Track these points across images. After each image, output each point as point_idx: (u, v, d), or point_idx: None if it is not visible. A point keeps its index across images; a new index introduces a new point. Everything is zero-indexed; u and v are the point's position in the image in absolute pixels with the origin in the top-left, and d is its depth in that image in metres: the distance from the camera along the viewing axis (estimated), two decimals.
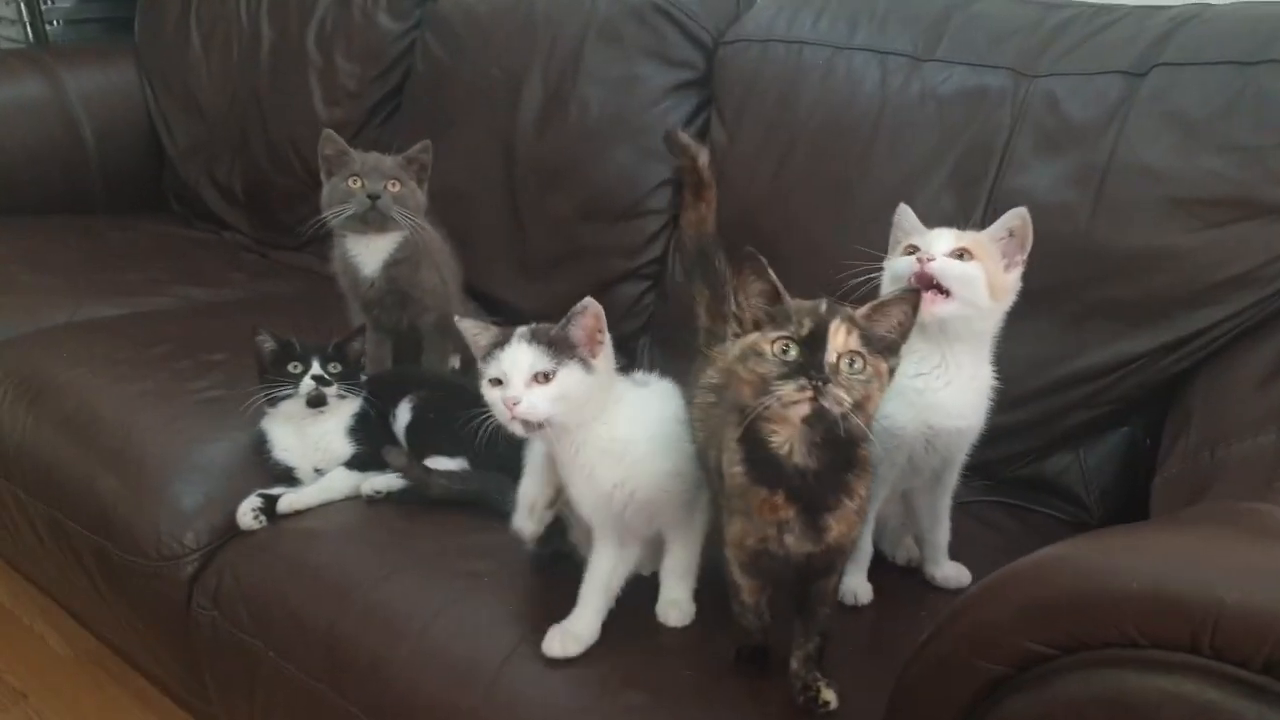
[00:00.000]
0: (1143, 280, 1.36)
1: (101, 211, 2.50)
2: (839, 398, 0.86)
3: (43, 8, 2.74)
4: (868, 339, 0.89)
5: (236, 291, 2.10)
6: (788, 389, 0.86)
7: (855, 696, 1.00)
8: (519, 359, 1.02)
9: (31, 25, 2.74)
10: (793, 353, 0.88)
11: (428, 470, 1.32)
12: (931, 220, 1.53)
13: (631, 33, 1.88)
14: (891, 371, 0.92)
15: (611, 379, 1.07)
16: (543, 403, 1.01)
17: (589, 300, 1.04)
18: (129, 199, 2.56)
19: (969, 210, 1.50)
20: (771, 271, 0.93)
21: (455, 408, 1.42)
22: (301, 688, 1.17)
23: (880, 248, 1.62)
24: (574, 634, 1.07)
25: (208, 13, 2.54)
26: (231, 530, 1.33)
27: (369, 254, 1.59)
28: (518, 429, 1.03)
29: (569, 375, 1.02)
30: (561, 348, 1.02)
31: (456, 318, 1.08)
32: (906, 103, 1.59)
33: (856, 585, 1.16)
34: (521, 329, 1.04)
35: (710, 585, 1.13)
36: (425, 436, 1.39)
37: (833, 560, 0.97)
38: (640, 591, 1.13)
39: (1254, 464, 1.07)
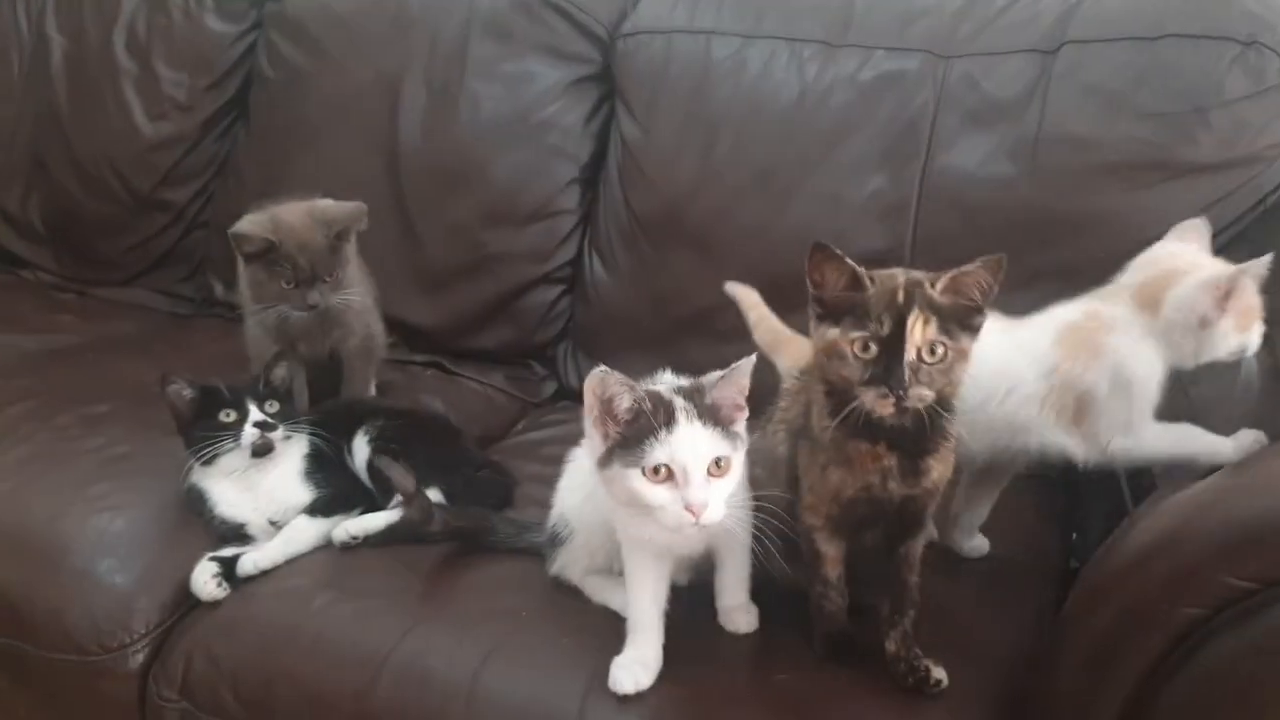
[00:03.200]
0: (1083, 242, 1.44)
1: None
2: (921, 396, 0.88)
3: None
4: (947, 321, 0.89)
5: (72, 336, 1.80)
6: (869, 396, 0.88)
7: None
8: (699, 445, 0.85)
9: None
10: (873, 350, 0.88)
11: (430, 509, 1.16)
12: (868, 199, 1.57)
13: (520, 28, 1.80)
14: (976, 332, 0.91)
15: None
16: (721, 503, 0.86)
17: (751, 359, 0.92)
18: None
19: (904, 189, 1.55)
20: (847, 259, 0.91)
21: (417, 436, 1.30)
22: None
23: (813, 231, 1.60)
24: (643, 663, 0.97)
25: None
26: (184, 605, 1.13)
27: None
28: (691, 535, 0.88)
29: (739, 460, 0.89)
30: (721, 420, 0.88)
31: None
32: (825, 88, 1.61)
33: None
34: (678, 398, 0.88)
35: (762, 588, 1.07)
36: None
37: (927, 505, 0.96)
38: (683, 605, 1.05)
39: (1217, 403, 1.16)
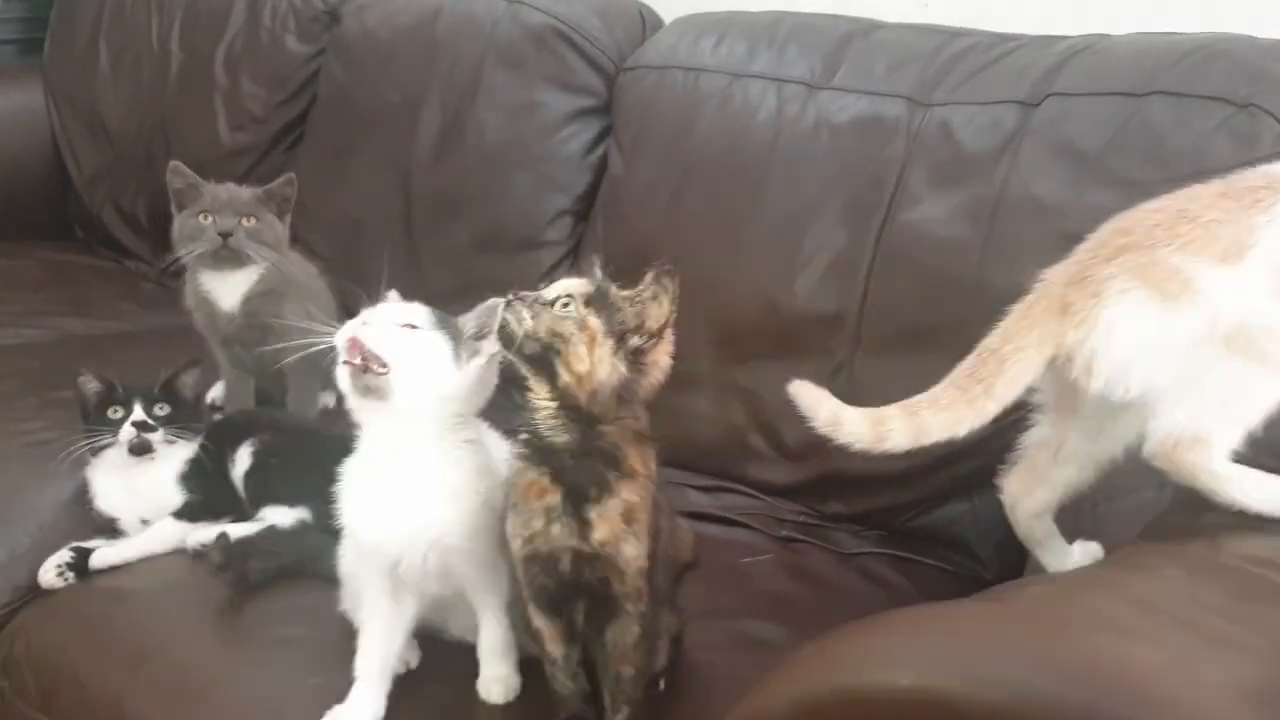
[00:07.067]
0: None
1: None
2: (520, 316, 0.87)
3: None
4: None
5: (121, 324, 2.00)
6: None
7: None
8: (399, 305, 0.98)
9: None
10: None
11: (245, 558, 1.18)
12: (824, 254, 1.47)
13: (532, 58, 1.81)
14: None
15: (473, 398, 0.98)
16: (391, 339, 0.92)
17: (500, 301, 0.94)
18: (30, 226, 2.44)
19: (860, 246, 1.43)
20: None
21: (303, 453, 1.32)
22: None
23: (767, 286, 1.55)
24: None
25: (119, 33, 2.44)
26: (35, 589, 1.22)
27: (225, 289, 1.50)
28: (343, 377, 0.93)
29: (436, 338, 0.94)
30: (450, 328, 0.97)
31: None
32: (801, 132, 1.51)
33: None
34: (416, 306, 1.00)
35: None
36: (263, 484, 1.29)
37: (611, 580, 0.88)
38: (462, 659, 1.03)
39: (1125, 521, 1.00)
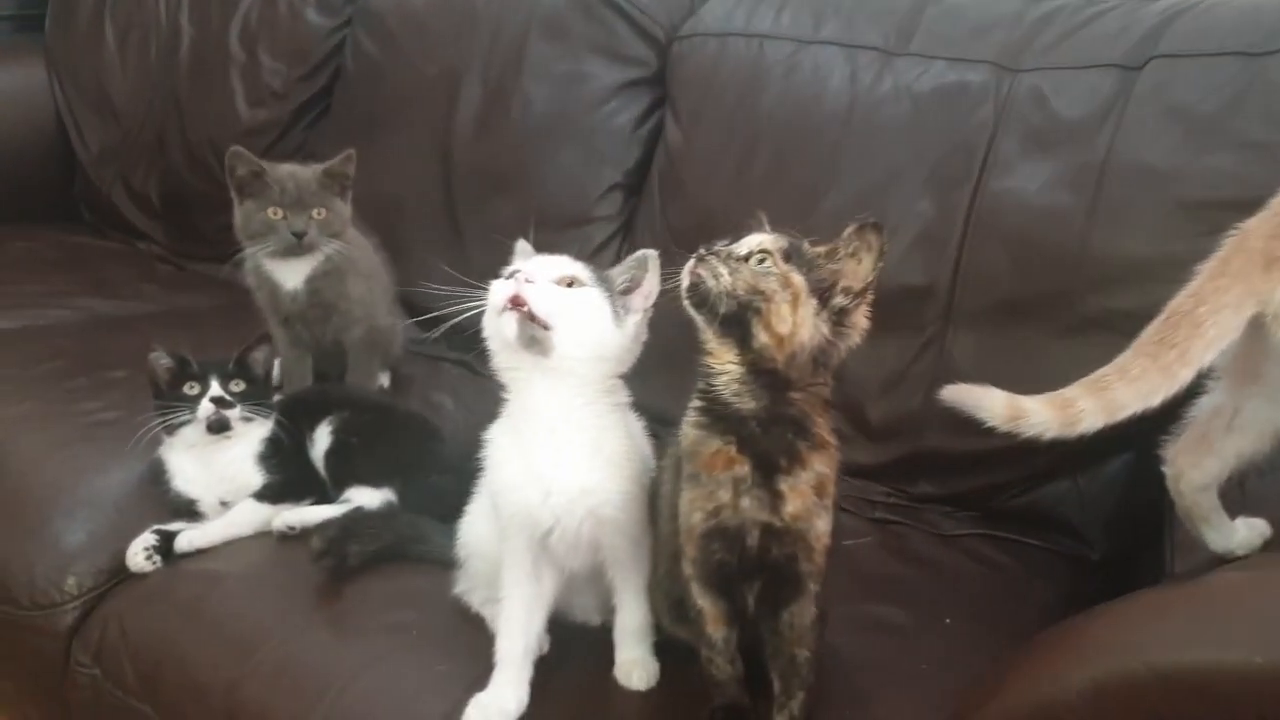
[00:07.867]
0: (1145, 290, 1.21)
1: (4, 220, 2.28)
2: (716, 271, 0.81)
3: None
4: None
5: (147, 304, 1.92)
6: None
7: None
8: (552, 259, 0.94)
9: None
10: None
11: (343, 542, 1.11)
12: (910, 225, 1.43)
13: (578, 27, 1.76)
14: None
15: (628, 357, 0.94)
16: (554, 298, 0.88)
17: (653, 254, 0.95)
18: (35, 207, 2.34)
19: (949, 216, 1.39)
20: None
21: (383, 432, 1.27)
22: None
23: None
24: (500, 707, 0.91)
25: (123, 8, 2.35)
26: (120, 574, 1.15)
27: (290, 271, 1.45)
28: (509, 326, 0.87)
29: (596, 296, 0.90)
30: (607, 283, 0.93)
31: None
32: (878, 100, 1.48)
33: None
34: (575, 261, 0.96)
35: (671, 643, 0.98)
36: (346, 464, 1.23)
37: (798, 556, 0.83)
38: (590, 643, 0.98)
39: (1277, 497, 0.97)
